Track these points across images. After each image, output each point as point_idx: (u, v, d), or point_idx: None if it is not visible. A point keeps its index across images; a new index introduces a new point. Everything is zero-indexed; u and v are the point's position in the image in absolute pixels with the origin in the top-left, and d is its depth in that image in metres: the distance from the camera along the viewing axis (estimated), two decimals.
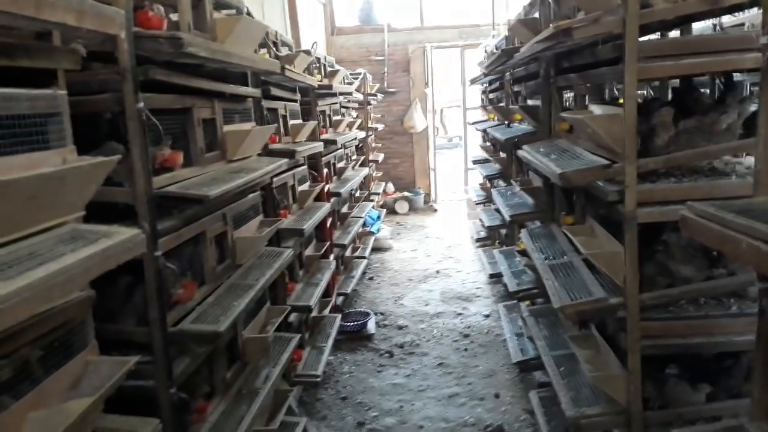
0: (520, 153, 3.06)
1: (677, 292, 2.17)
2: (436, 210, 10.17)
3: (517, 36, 3.59)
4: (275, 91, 3.67)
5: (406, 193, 10.16)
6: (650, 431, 2.28)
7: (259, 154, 3.23)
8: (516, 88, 4.48)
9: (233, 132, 2.70)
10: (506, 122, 4.42)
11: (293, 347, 3.16)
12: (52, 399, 1.30)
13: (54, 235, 1.28)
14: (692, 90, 2.48)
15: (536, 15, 3.50)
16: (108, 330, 2.09)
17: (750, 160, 2.33)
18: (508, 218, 3.60)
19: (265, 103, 3.49)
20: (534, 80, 3.71)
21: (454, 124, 16.64)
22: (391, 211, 9.83)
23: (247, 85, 3.02)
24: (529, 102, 3.95)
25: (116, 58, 1.86)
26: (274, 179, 3.55)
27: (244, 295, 2.44)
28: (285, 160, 3.07)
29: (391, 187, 10.18)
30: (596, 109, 2.40)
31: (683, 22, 2.49)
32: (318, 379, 3.69)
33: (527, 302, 4.32)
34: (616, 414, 2.27)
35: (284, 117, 4.01)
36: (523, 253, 4.20)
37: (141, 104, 1.92)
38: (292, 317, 3.74)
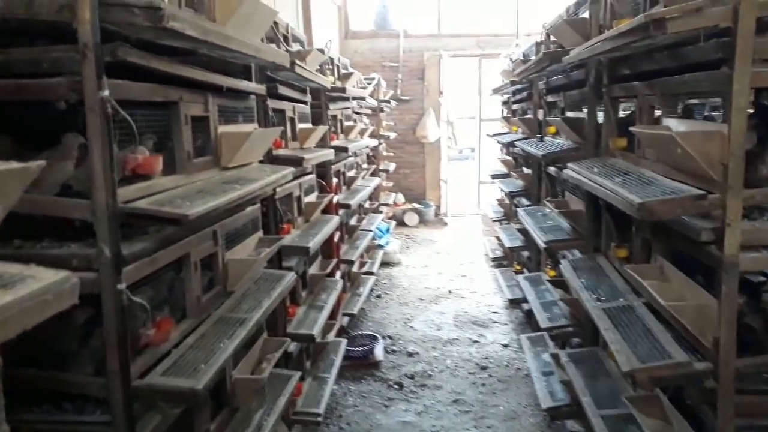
0: (567, 172, 2.60)
1: None
2: (446, 223, 9.71)
3: (561, 39, 3.14)
4: (283, 90, 3.23)
5: (416, 205, 9.70)
6: None
7: (261, 161, 2.80)
8: (550, 99, 4.03)
9: (230, 134, 2.26)
10: (539, 136, 3.97)
11: (293, 387, 2.70)
12: None
13: None
14: None
15: (584, 15, 3.06)
16: (57, 379, 1.65)
17: None
18: (542, 244, 3.14)
19: (271, 103, 3.05)
20: (578, 89, 3.26)
21: (464, 136, 16.21)
22: (400, 223, 9.38)
23: (250, 80, 2.58)
24: (569, 114, 3.50)
25: (75, 32, 1.42)
26: (278, 189, 3.10)
27: (233, 334, 1.99)
28: (291, 170, 2.63)
29: (400, 198, 9.73)
30: (676, 125, 1.95)
31: None
32: (319, 419, 3.23)
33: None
34: None
35: (292, 120, 3.57)
36: (556, 282, 3.74)
37: (105, 92, 1.48)
38: (292, 347, 3.28)
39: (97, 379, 1.59)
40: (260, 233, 2.70)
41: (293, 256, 3.24)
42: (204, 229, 2.09)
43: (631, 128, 2.06)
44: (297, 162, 3.07)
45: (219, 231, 2.21)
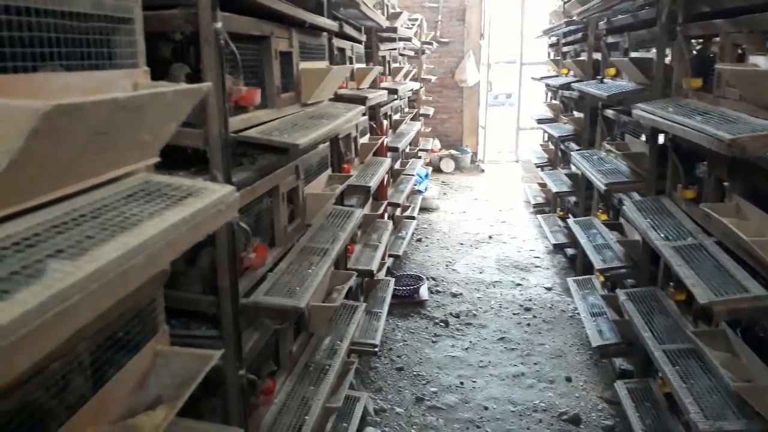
0: (638, 113, 2.60)
1: None
2: (483, 170, 9.69)
3: None
4: (346, 29, 3.24)
5: (452, 151, 9.67)
6: None
7: (331, 99, 2.85)
8: (611, 39, 3.95)
9: (310, 70, 2.31)
10: (599, 78, 3.91)
11: (360, 317, 2.84)
12: (114, 408, 0.97)
13: (121, 189, 0.92)
14: None
15: None
16: (170, 297, 1.78)
17: None
18: (603, 187, 3.16)
19: (336, 42, 3.08)
20: (645, 29, 3.20)
21: (499, 81, 15.87)
22: (436, 170, 9.38)
23: (323, 16, 2.60)
24: (633, 54, 3.44)
25: None
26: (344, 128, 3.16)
27: (320, 262, 2.10)
28: (361, 108, 2.68)
29: (437, 143, 9.70)
30: (766, 62, 1.94)
31: None
32: (376, 350, 3.39)
33: (600, 277, 3.92)
34: None
35: (350, 59, 3.59)
36: (611, 225, 3.78)
37: (219, 24, 1.53)
38: (351, 281, 3.41)
39: (208, 296, 1.71)
40: (329, 171, 2.78)
41: (353, 195, 3.32)
42: (289, 163, 2.17)
43: (718, 66, 2.05)
44: (360, 101, 3.11)
45: (300, 166, 2.29)
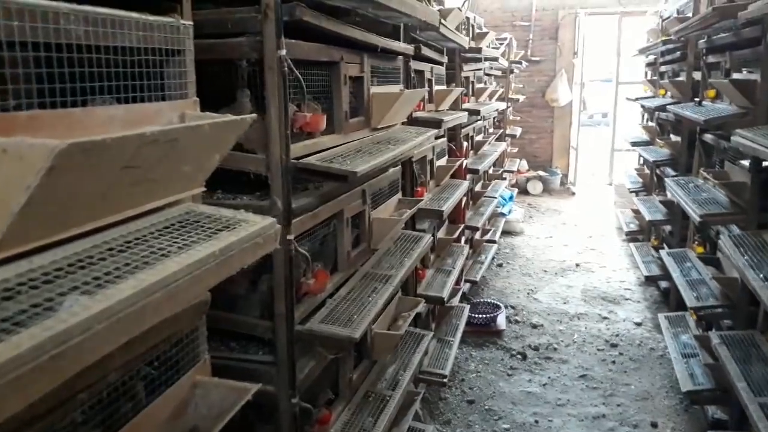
0: (738, 140, 2.36)
1: None
2: (573, 193, 9.30)
3: None
4: (425, 51, 3.22)
5: (540, 173, 9.37)
6: None
7: (403, 123, 2.83)
8: (711, 59, 3.66)
9: (381, 95, 2.29)
10: (696, 100, 3.63)
11: (426, 345, 2.76)
12: None
13: (159, 220, 0.93)
14: None
15: None
16: (230, 320, 1.80)
17: None
18: (697, 218, 2.90)
19: (413, 65, 3.06)
20: (750, 48, 2.93)
21: (595, 100, 15.29)
22: (523, 191, 9.12)
23: (398, 40, 2.59)
24: (736, 76, 3.16)
25: None
26: (415, 152, 3.12)
27: (381, 289, 2.05)
28: (433, 132, 2.64)
29: (524, 164, 9.44)
30: None
31: None
32: (445, 380, 3.28)
33: (693, 316, 3.59)
34: None
35: (429, 81, 3.55)
36: (707, 260, 3.47)
37: (283, 51, 1.55)
38: (421, 307, 3.34)
39: (265, 321, 1.72)
40: (399, 195, 2.74)
41: (426, 219, 3.27)
42: (356, 188, 2.16)
43: None
44: (436, 124, 3.06)
45: (367, 190, 2.27)
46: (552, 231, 7.30)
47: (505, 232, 6.98)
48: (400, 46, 2.49)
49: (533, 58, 9.22)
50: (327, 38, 1.91)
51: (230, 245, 0.86)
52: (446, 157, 4.13)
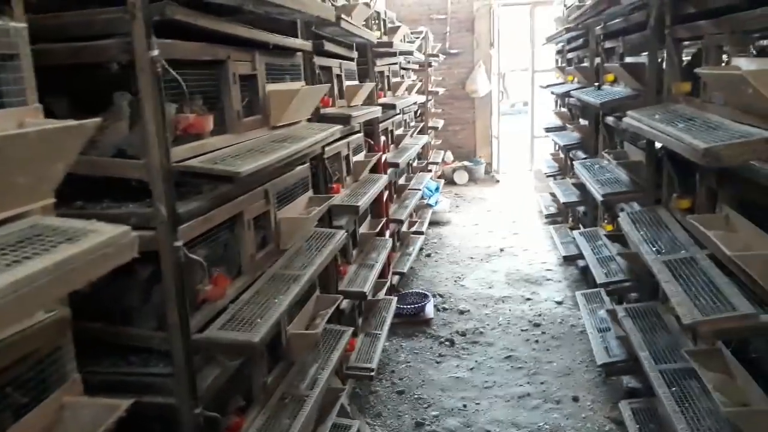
0: (627, 120, 2.48)
1: None
2: (498, 181, 9.55)
3: None
4: (329, 47, 3.19)
5: (466, 163, 9.55)
6: None
7: (309, 119, 2.79)
8: (608, 44, 3.83)
9: (278, 92, 2.25)
10: (596, 84, 3.79)
11: (346, 342, 2.75)
12: None
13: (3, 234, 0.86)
14: None
15: None
16: (123, 333, 1.73)
17: None
18: (599, 197, 3.04)
19: (318, 61, 3.03)
20: (638, 32, 3.08)
21: (517, 90, 15.73)
22: (450, 182, 9.28)
23: (296, 37, 2.55)
24: (628, 59, 3.32)
25: None
26: (326, 149, 3.10)
27: (287, 290, 2.02)
28: (338, 128, 2.62)
29: (449, 156, 9.59)
30: (747, 64, 1.81)
31: None
32: (372, 374, 3.29)
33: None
34: None
35: (339, 77, 3.54)
36: (613, 237, 3.63)
37: (155, 52, 1.49)
38: (344, 304, 3.34)
39: (159, 333, 1.66)
40: (310, 192, 2.71)
41: (343, 215, 3.25)
42: (256, 188, 2.12)
43: (697, 70, 1.93)
44: (345, 120, 3.05)
45: (270, 190, 2.23)
46: (478, 219, 7.46)
47: (433, 223, 7.07)
48: (295, 42, 2.46)
49: (451, 51, 9.37)
50: (213, 37, 1.86)
51: (69, 258, 0.81)
52: (364, 152, 4.12)
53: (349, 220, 3.37)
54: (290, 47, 2.42)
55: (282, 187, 2.37)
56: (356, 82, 3.91)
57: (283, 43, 2.31)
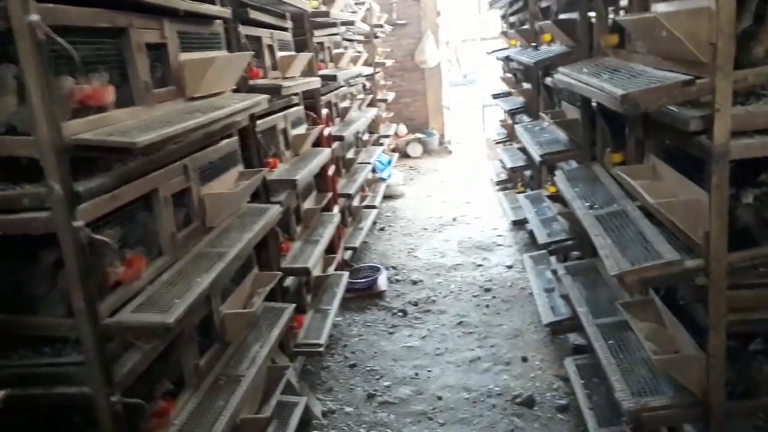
0: (557, 77, 2.45)
1: None
2: (451, 152, 9.54)
3: None
4: (256, 15, 3.06)
5: (419, 135, 9.50)
6: (731, 425, 1.79)
7: (237, 91, 2.68)
8: (544, 4, 3.79)
9: (193, 61, 2.13)
10: (533, 44, 3.76)
11: (286, 320, 2.69)
12: None
13: None
14: None
15: None
16: (28, 323, 1.62)
17: None
18: (537, 158, 3.03)
19: (245, 30, 2.90)
20: None
21: (469, 60, 15.67)
22: (404, 155, 9.22)
23: (213, 3, 2.42)
24: (562, 17, 3.29)
25: None
26: (259, 122, 2.99)
27: (211, 268, 1.94)
28: (264, 97, 2.51)
29: (402, 128, 9.52)
30: (665, 7, 1.79)
31: None
32: (320, 350, 3.25)
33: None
34: (689, 406, 1.77)
35: (271, 48, 3.41)
36: (555, 197, 3.64)
37: (35, 17, 1.36)
38: (289, 281, 3.27)
39: (66, 320, 1.56)
40: (240, 167, 2.61)
41: (281, 191, 3.16)
42: (172, 162, 2.01)
43: (618, 18, 1.90)
44: (275, 90, 2.94)
45: (190, 165, 2.12)
46: (431, 190, 7.46)
47: (387, 197, 7.03)
48: (210, 9, 2.33)
49: (398, 22, 9.23)
50: (113, 3, 1.73)
51: None
52: (305, 125, 4.01)
53: (288, 195, 3.28)
54: (205, 14, 2.29)
55: (205, 162, 2.26)
56: (292, 53, 3.78)
57: (195, 10, 2.18)
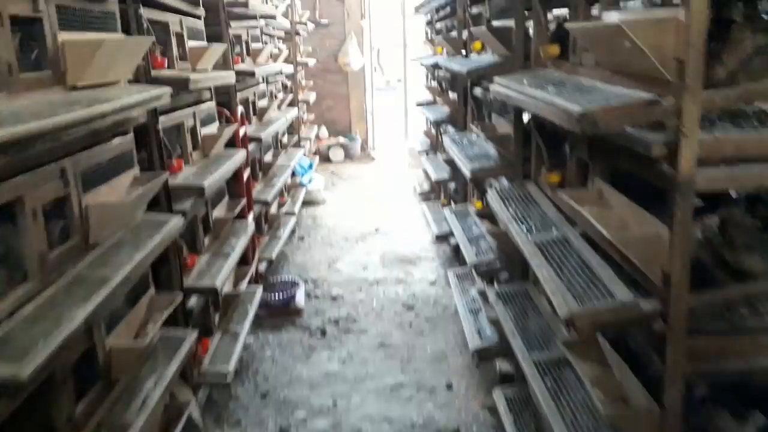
0: (493, 88, 2.27)
1: (743, 293, 1.49)
2: (374, 158, 9.34)
3: None
4: None
5: (341, 139, 9.23)
6: None
7: (136, 82, 2.31)
8: (475, 10, 3.65)
9: (75, 42, 1.76)
10: (463, 52, 3.60)
11: (188, 348, 2.33)
12: None
13: None
14: None
15: None
16: None
17: None
18: (468, 174, 2.85)
19: (148, 13, 2.53)
20: None
21: (393, 65, 15.60)
22: (325, 159, 8.92)
23: None
24: (495, 24, 3.14)
25: None
26: (162, 118, 2.62)
27: (90, 296, 1.57)
28: (166, 90, 2.16)
29: (324, 132, 9.22)
30: (621, 17, 1.63)
31: None
32: (227, 380, 2.89)
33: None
34: None
35: (180, 36, 3.03)
36: (483, 214, 3.49)
37: None
38: (193, 300, 2.89)
39: None
40: (135, 171, 2.24)
41: (187, 198, 2.79)
42: (45, 165, 1.63)
43: (567, 24, 1.74)
44: (182, 83, 2.57)
45: (70, 168, 1.75)
46: (354, 198, 7.20)
47: (307, 203, 6.71)
48: None
49: (322, 21, 8.93)
50: None
51: None
52: (217, 124, 3.64)
53: (195, 203, 2.91)
54: None
55: (90, 164, 1.89)
56: (204, 43, 3.40)
57: None
